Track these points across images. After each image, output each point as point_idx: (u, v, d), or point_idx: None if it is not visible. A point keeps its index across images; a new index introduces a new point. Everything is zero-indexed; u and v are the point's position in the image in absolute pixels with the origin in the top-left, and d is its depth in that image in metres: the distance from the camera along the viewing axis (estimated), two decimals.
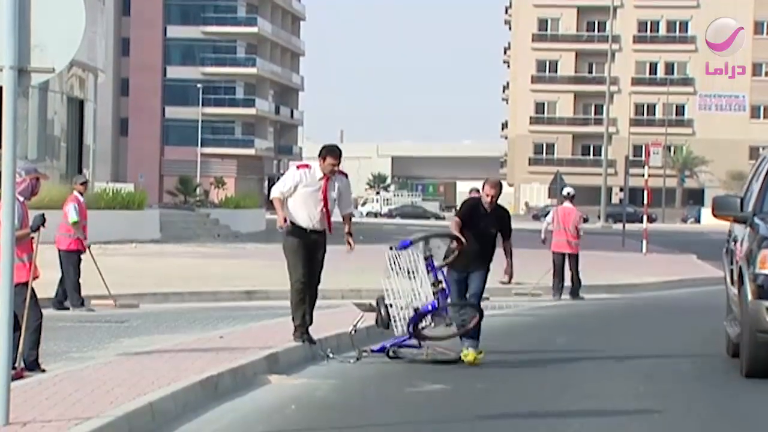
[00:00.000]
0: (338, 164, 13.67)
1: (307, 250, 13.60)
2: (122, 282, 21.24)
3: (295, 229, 13.60)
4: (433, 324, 13.54)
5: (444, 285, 13.56)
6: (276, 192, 13.75)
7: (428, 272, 13.50)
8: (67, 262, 18.58)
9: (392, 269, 13.68)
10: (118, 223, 36.04)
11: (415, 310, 13.36)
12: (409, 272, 13.63)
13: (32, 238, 11.51)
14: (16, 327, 11.44)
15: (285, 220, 13.51)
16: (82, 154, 43.33)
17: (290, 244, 13.66)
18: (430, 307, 13.37)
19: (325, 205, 13.60)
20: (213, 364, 11.73)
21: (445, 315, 13.46)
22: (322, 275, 13.88)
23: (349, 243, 13.73)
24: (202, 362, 11.83)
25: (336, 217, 13.80)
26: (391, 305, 13.55)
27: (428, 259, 13.60)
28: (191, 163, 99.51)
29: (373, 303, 14.06)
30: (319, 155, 13.69)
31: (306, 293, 13.70)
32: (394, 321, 13.52)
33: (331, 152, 13.64)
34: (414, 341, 13.60)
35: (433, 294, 13.41)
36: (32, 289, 11.52)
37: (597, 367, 13.86)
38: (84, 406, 9.26)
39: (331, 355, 13.65)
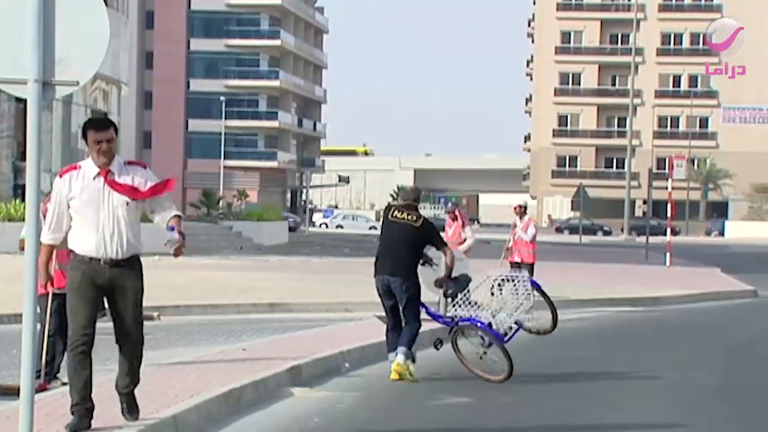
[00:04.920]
0: (111, 140, 8.89)
1: (101, 293, 8.94)
2: (145, 295, 21.24)
3: (81, 263, 8.88)
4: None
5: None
6: (44, 237, 8.78)
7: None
8: None
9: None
10: (141, 235, 36.03)
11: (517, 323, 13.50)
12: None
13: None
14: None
15: (48, 284, 9.29)
16: None
17: (71, 283, 8.91)
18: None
19: (135, 198, 8.94)
20: (236, 376, 11.73)
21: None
22: (141, 331, 9.17)
23: (179, 244, 8.99)
24: (225, 375, 11.83)
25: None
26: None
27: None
28: (214, 175, 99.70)
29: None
30: (81, 136, 9.02)
31: (89, 354, 8.89)
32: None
33: (92, 125, 8.96)
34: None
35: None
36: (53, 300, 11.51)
37: (621, 381, 13.81)
38: (107, 418, 9.26)
39: (347, 366, 13.63)
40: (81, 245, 8.88)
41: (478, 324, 13.28)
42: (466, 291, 13.30)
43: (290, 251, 45.57)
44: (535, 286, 13.87)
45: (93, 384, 8.94)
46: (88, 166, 8.90)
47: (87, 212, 8.81)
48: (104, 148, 8.83)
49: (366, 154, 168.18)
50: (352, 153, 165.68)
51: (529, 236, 22.25)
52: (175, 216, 9.12)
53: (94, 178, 8.84)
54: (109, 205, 8.85)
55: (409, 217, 13.22)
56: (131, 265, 9.01)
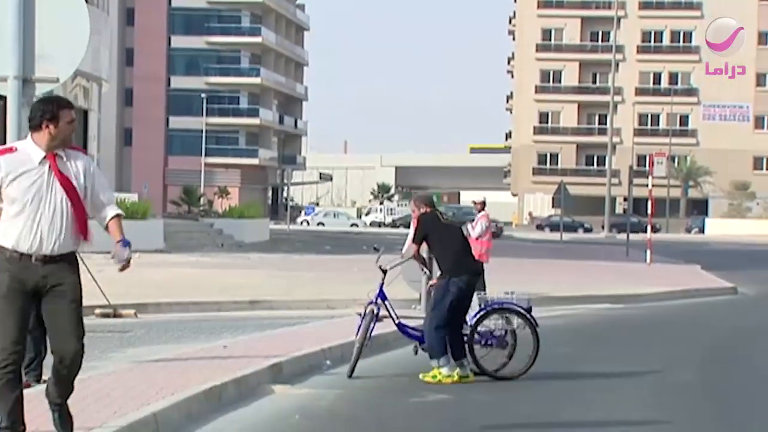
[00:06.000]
0: (74, 125, 7.86)
1: (32, 298, 7.79)
2: (126, 292, 21.23)
3: (9, 262, 7.74)
4: None
5: None
6: None
7: None
8: None
9: None
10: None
11: None
12: None
13: None
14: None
15: None
16: None
17: None
18: None
19: (72, 200, 7.79)
20: (217, 374, 11.72)
21: None
22: (84, 340, 7.91)
23: (123, 259, 7.93)
24: (206, 372, 11.82)
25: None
26: None
27: None
28: (195, 172, 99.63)
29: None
30: (42, 117, 7.69)
31: (17, 372, 7.79)
32: None
33: (66, 105, 7.81)
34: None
35: None
36: None
37: (601, 378, 13.84)
38: (87, 416, 9.24)
39: (328, 364, 13.65)
40: (11, 239, 7.70)
41: (518, 307, 13.48)
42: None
43: (271, 248, 45.54)
44: (527, 313, 13.58)
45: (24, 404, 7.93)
46: (30, 149, 7.71)
47: (25, 200, 7.66)
48: (70, 131, 7.79)
49: None
50: None
51: (475, 233, 21.98)
52: (116, 216, 8.01)
53: (40, 162, 7.71)
54: (52, 194, 7.72)
55: (450, 220, 13.74)
56: (68, 260, 7.84)
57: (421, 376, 12.97)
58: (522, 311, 13.45)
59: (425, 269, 14.26)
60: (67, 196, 7.70)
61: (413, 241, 13.42)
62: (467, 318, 13.31)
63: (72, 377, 7.97)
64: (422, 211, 13.38)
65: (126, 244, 7.90)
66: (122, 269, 7.95)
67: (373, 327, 13.40)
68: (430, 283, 13.99)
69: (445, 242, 13.18)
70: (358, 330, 13.27)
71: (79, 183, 7.78)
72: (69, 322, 7.77)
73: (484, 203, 22.06)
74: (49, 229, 7.68)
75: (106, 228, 8.01)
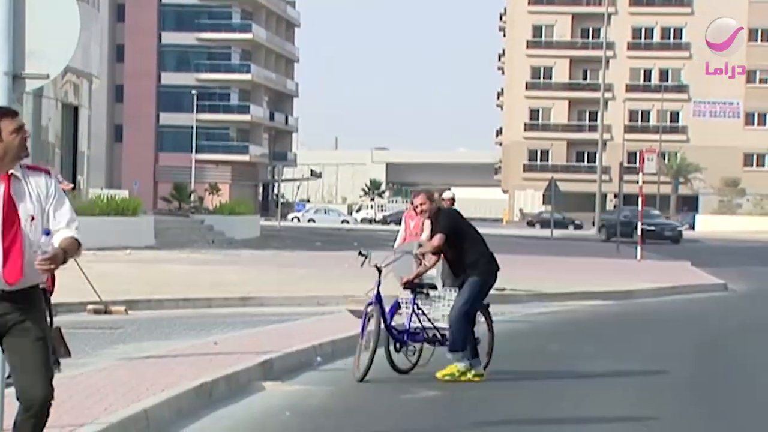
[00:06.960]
0: (26, 133, 6.77)
1: None
2: (116, 288, 21.22)
3: None
4: None
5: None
6: None
7: None
8: None
9: None
10: (112, 229, 36.01)
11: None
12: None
13: None
14: None
15: None
16: (77, 160, 43.36)
17: None
18: None
19: (10, 228, 6.61)
20: (207, 370, 11.71)
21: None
22: (50, 383, 6.79)
23: (50, 260, 6.51)
24: (197, 369, 11.81)
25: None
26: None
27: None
28: (186, 169, 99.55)
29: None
30: None
31: None
32: None
33: (5, 114, 6.75)
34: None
35: None
36: None
37: (592, 374, 13.85)
38: (78, 412, 9.23)
39: (318, 360, 13.62)
40: None
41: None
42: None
43: (262, 245, 45.52)
44: (485, 308, 13.45)
45: None
46: None
47: None
48: (26, 136, 6.71)
49: None
50: None
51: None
52: (66, 240, 6.68)
53: None
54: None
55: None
56: (29, 295, 6.75)
57: (438, 374, 12.84)
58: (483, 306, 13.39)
59: (421, 262, 14.11)
60: (12, 225, 6.61)
61: (440, 232, 12.87)
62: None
63: (41, 428, 6.95)
64: (436, 205, 13.11)
65: (48, 232, 6.72)
66: (39, 265, 6.56)
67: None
68: (404, 279, 13.53)
69: (474, 241, 13.03)
70: (362, 332, 12.80)
71: (30, 209, 6.66)
72: (34, 362, 6.72)
73: (453, 200, 21.83)
74: (4, 260, 6.61)
75: (61, 246, 6.67)
